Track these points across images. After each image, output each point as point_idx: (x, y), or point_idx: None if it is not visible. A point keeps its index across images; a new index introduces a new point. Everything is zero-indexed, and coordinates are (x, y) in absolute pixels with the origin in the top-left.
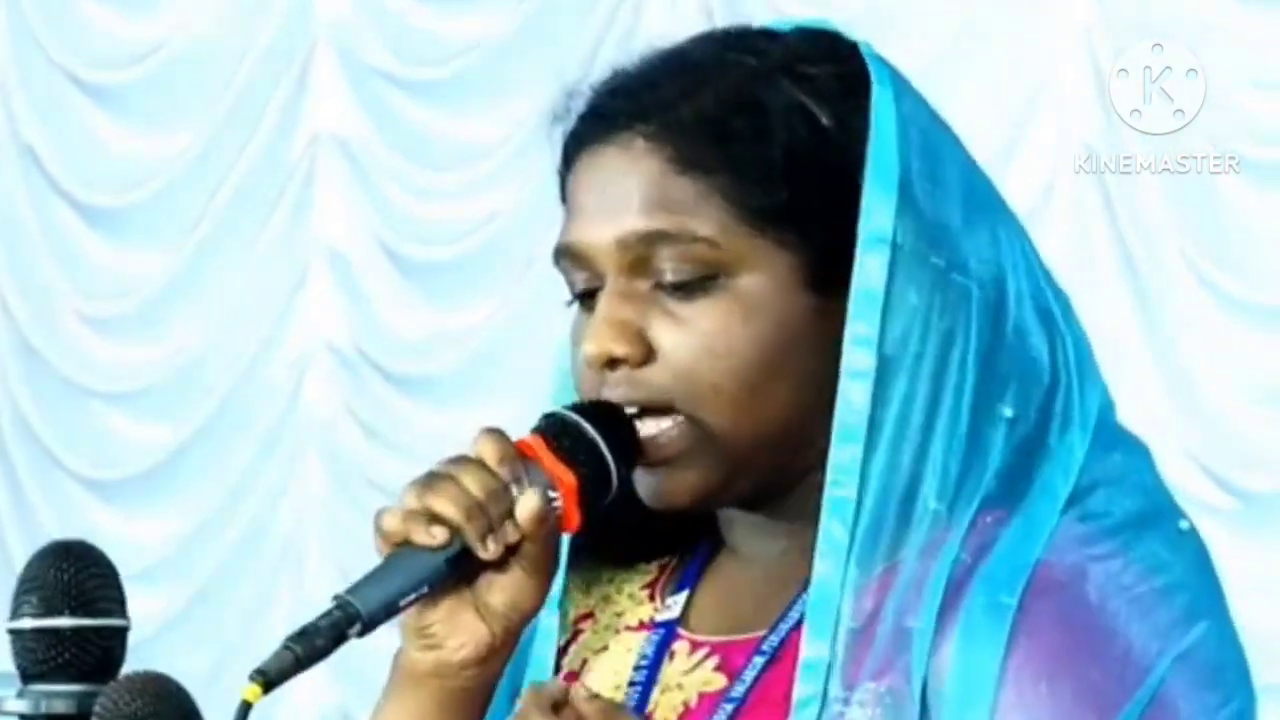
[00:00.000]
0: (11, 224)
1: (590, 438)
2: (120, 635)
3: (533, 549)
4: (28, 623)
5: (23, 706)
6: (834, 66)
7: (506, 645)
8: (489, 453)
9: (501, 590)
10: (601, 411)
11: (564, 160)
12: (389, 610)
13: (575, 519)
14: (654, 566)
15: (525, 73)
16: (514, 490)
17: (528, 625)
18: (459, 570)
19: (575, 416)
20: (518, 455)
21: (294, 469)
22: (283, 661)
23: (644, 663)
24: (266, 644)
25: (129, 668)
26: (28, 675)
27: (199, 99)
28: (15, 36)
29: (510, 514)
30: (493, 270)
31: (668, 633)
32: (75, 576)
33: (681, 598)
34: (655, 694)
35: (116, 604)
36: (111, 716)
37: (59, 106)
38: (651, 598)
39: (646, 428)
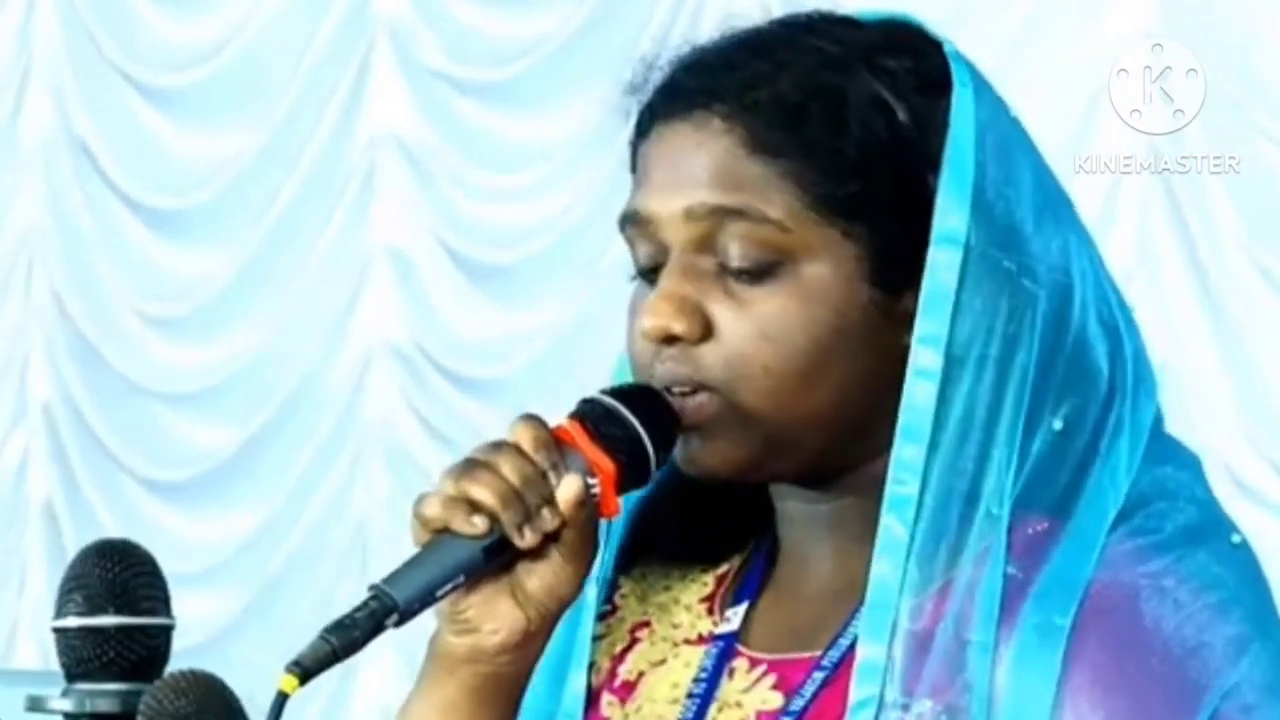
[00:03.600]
0: (69, 227)
1: (629, 423)
2: (165, 634)
3: (571, 535)
4: (73, 621)
5: (67, 705)
6: (914, 62)
7: (542, 631)
8: (526, 439)
9: (539, 577)
10: (639, 394)
11: (637, 131)
12: (426, 600)
13: (614, 505)
14: (711, 579)
15: (584, 74)
16: (551, 477)
17: (565, 611)
18: (496, 559)
19: (613, 401)
20: (555, 442)
21: (357, 470)
22: (319, 653)
23: (703, 675)
24: None
25: (189, 667)
26: (72, 674)
27: (257, 101)
28: (71, 40)
29: (548, 501)
30: (555, 272)
31: (726, 646)
32: (120, 575)
33: (740, 610)
34: (712, 710)
35: (161, 602)
36: (156, 715)
37: (118, 110)
38: (710, 611)
39: (678, 396)
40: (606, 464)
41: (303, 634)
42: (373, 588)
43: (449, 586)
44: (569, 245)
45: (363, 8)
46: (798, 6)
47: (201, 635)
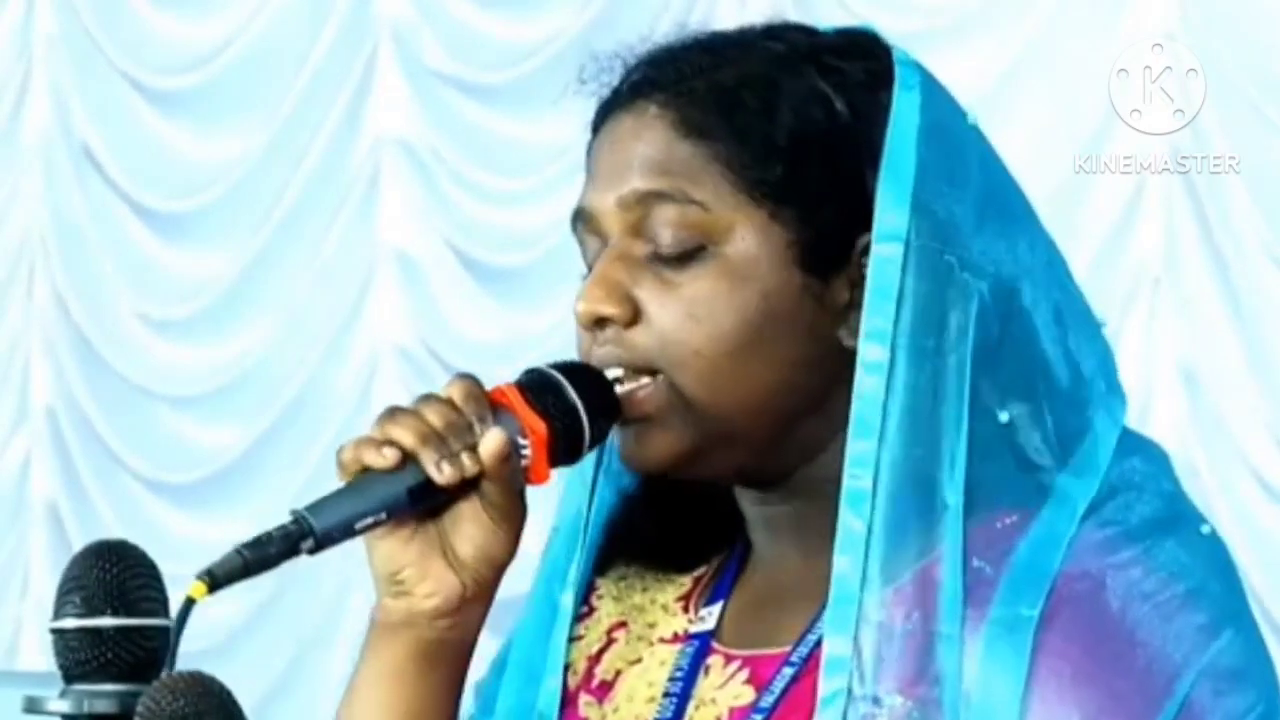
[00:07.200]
0: (70, 229)
1: (566, 393)
2: (163, 635)
3: (493, 490)
4: (70, 622)
5: (65, 706)
6: (864, 64)
7: (479, 598)
8: (457, 392)
9: (469, 539)
10: (581, 371)
11: (592, 130)
12: (345, 530)
13: (544, 471)
14: (688, 579)
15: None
16: (478, 428)
17: (500, 576)
18: (420, 502)
19: (554, 372)
20: (488, 400)
21: None
22: (230, 565)
23: (679, 674)
24: (339, 647)
25: (186, 668)
26: (70, 675)
27: (260, 103)
28: (71, 41)
29: (470, 448)
30: (562, 274)
31: (702, 645)
32: (117, 576)
33: (715, 609)
34: (690, 709)
35: (159, 604)
36: (153, 716)
37: (119, 111)
38: (686, 609)
39: (624, 384)
40: (539, 426)
41: (312, 637)
42: (294, 512)
43: (369, 520)
44: (575, 247)
45: (364, 9)
46: (811, 8)
47: (211, 639)
